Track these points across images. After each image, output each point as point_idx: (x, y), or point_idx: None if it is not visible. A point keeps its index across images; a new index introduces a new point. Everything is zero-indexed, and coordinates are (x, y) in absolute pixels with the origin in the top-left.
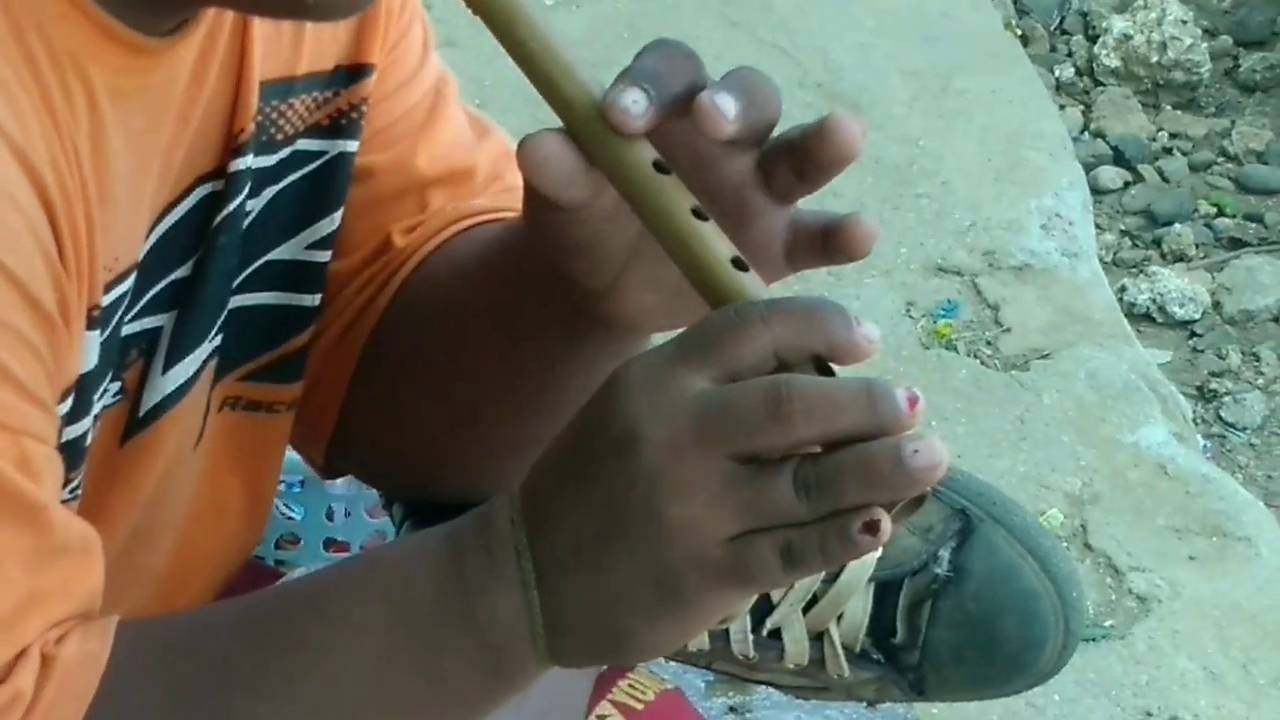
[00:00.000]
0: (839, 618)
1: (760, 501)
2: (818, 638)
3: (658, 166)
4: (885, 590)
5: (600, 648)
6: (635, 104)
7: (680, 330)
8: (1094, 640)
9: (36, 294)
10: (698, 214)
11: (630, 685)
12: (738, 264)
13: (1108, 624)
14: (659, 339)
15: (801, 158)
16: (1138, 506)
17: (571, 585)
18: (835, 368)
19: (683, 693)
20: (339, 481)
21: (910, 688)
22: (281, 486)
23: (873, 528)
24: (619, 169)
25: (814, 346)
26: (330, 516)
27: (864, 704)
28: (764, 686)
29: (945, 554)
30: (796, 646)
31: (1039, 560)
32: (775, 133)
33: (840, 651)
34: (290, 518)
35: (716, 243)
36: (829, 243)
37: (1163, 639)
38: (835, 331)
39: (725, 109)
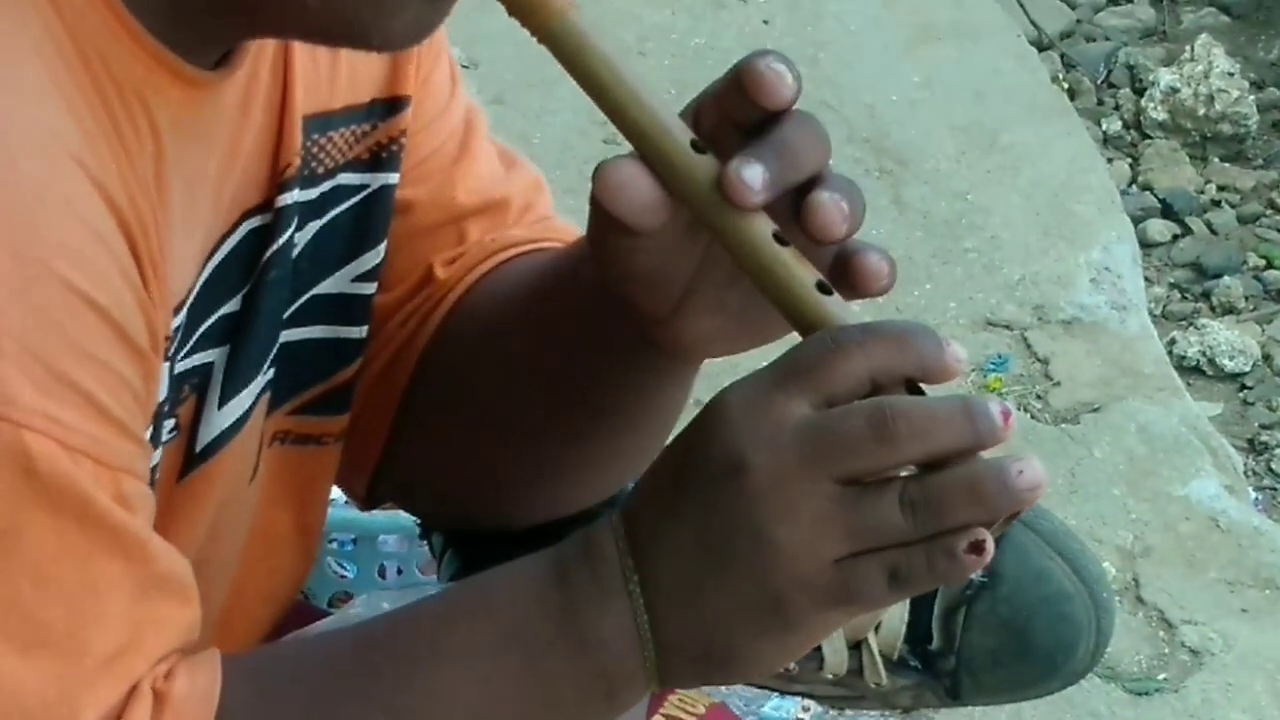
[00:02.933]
0: (876, 627)
1: (867, 523)
2: (855, 647)
3: None
4: (921, 598)
5: (707, 668)
6: (756, 178)
7: (750, 350)
8: (1147, 694)
9: (127, 328)
10: (779, 239)
11: (680, 700)
12: (822, 288)
13: (1161, 677)
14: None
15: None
16: (1189, 559)
17: (679, 609)
18: (925, 388)
19: (728, 706)
20: (391, 539)
21: (946, 693)
22: (334, 545)
23: (978, 548)
24: (698, 196)
25: (907, 369)
26: (383, 574)
27: (899, 711)
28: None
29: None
30: (836, 656)
31: (1069, 563)
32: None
33: (878, 659)
34: (343, 576)
35: (800, 268)
36: (843, 275)
37: (1216, 692)
38: (927, 353)
39: (752, 181)
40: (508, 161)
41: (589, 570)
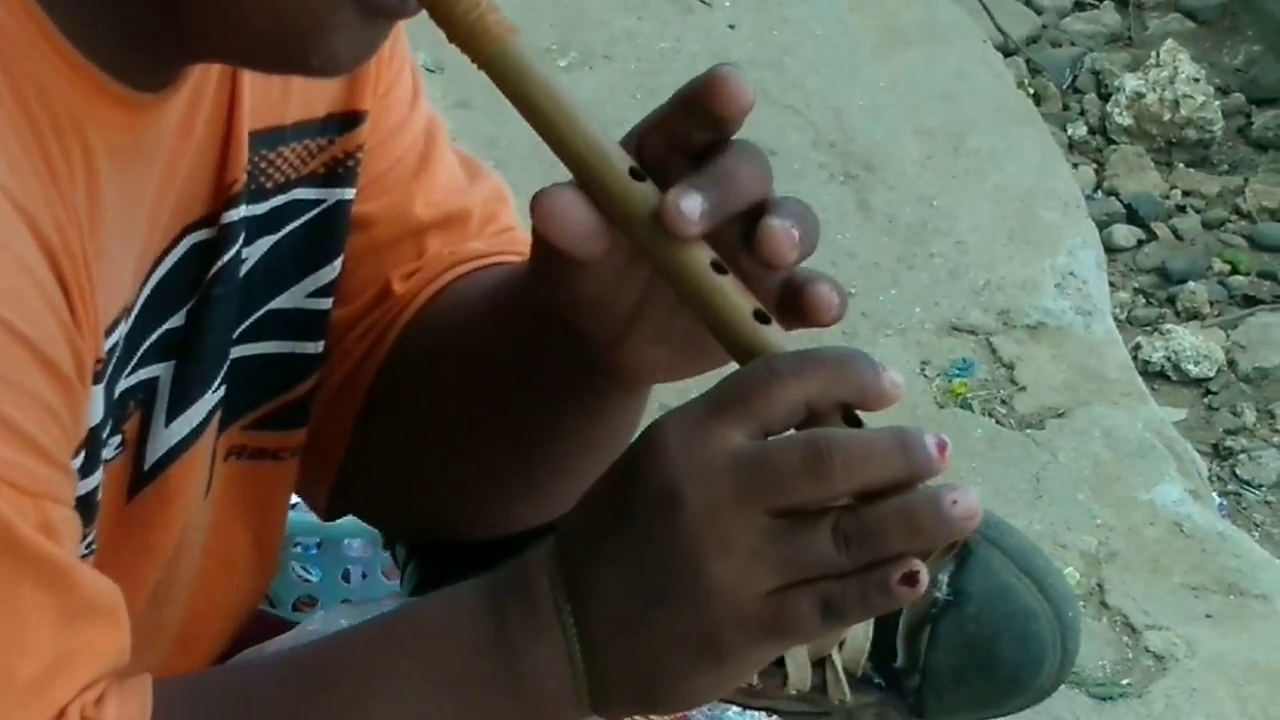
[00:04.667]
0: (841, 644)
1: (800, 555)
2: (819, 663)
3: None
4: (885, 615)
5: (641, 700)
6: (691, 209)
7: (696, 375)
8: (1111, 699)
9: (52, 355)
10: (718, 268)
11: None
12: (760, 316)
13: (1125, 683)
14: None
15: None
16: (1154, 565)
17: (613, 641)
18: (862, 416)
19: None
20: (356, 543)
21: (910, 710)
22: (298, 549)
23: (911, 579)
24: (636, 225)
25: (844, 396)
26: (347, 578)
27: None
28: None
29: (944, 578)
30: (799, 672)
31: (1034, 580)
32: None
33: (842, 676)
34: (307, 580)
35: (738, 296)
36: (795, 304)
37: (1180, 697)
38: (864, 380)
39: (690, 212)
40: (471, 171)
41: (522, 603)
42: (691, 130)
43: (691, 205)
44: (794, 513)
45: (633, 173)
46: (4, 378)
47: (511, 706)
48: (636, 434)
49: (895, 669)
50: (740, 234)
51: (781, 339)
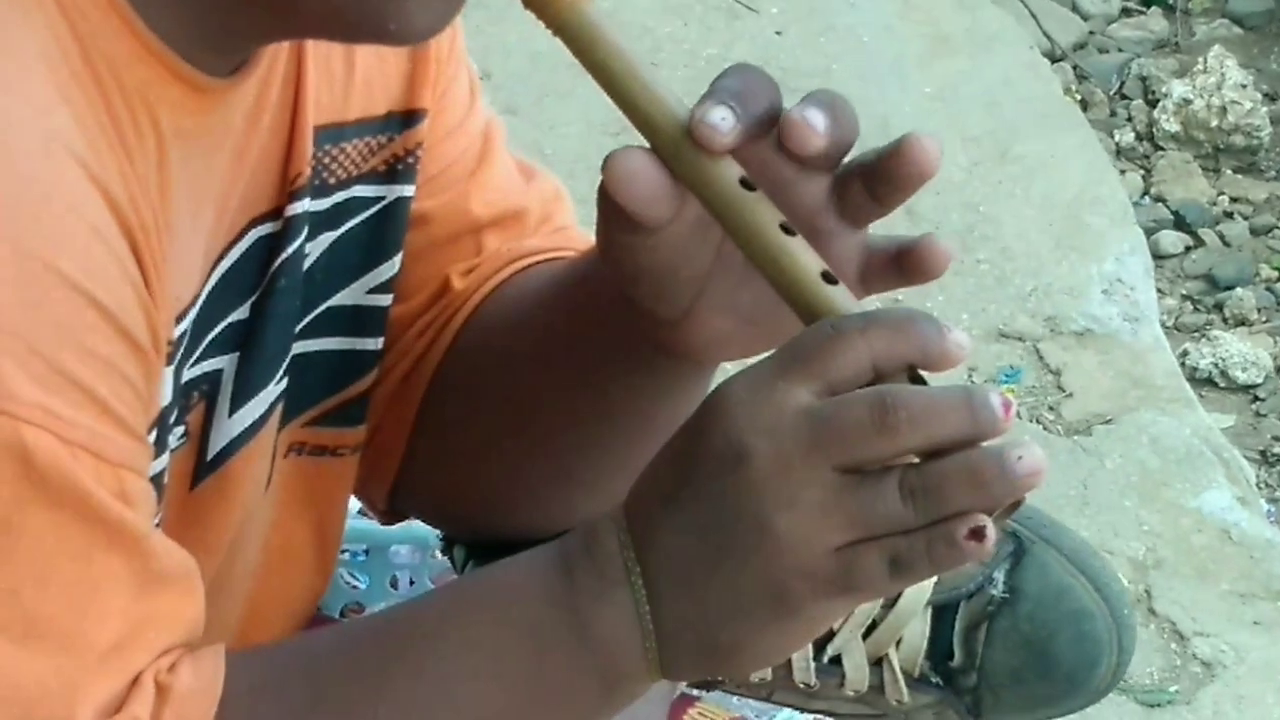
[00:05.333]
0: (898, 643)
1: (868, 510)
2: (876, 663)
3: (744, 184)
4: (942, 614)
5: (710, 660)
6: (724, 120)
7: (763, 353)
8: (1159, 706)
9: (128, 326)
10: (786, 229)
11: (701, 713)
12: (827, 278)
13: (1173, 689)
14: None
15: (877, 178)
16: (1201, 571)
17: (681, 600)
18: (927, 376)
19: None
20: (403, 550)
21: (967, 710)
22: (346, 555)
23: (979, 534)
24: (706, 186)
25: (909, 356)
26: (395, 585)
27: None
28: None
29: (1000, 576)
30: (857, 673)
31: (1091, 580)
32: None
33: (900, 676)
34: (355, 586)
35: (806, 257)
36: (904, 264)
37: (1228, 704)
38: (929, 341)
39: (815, 123)
40: (527, 173)
41: (591, 562)
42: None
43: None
44: (860, 469)
45: None
46: (84, 346)
47: (583, 667)
48: None
49: (952, 668)
50: (824, 193)
51: (849, 300)
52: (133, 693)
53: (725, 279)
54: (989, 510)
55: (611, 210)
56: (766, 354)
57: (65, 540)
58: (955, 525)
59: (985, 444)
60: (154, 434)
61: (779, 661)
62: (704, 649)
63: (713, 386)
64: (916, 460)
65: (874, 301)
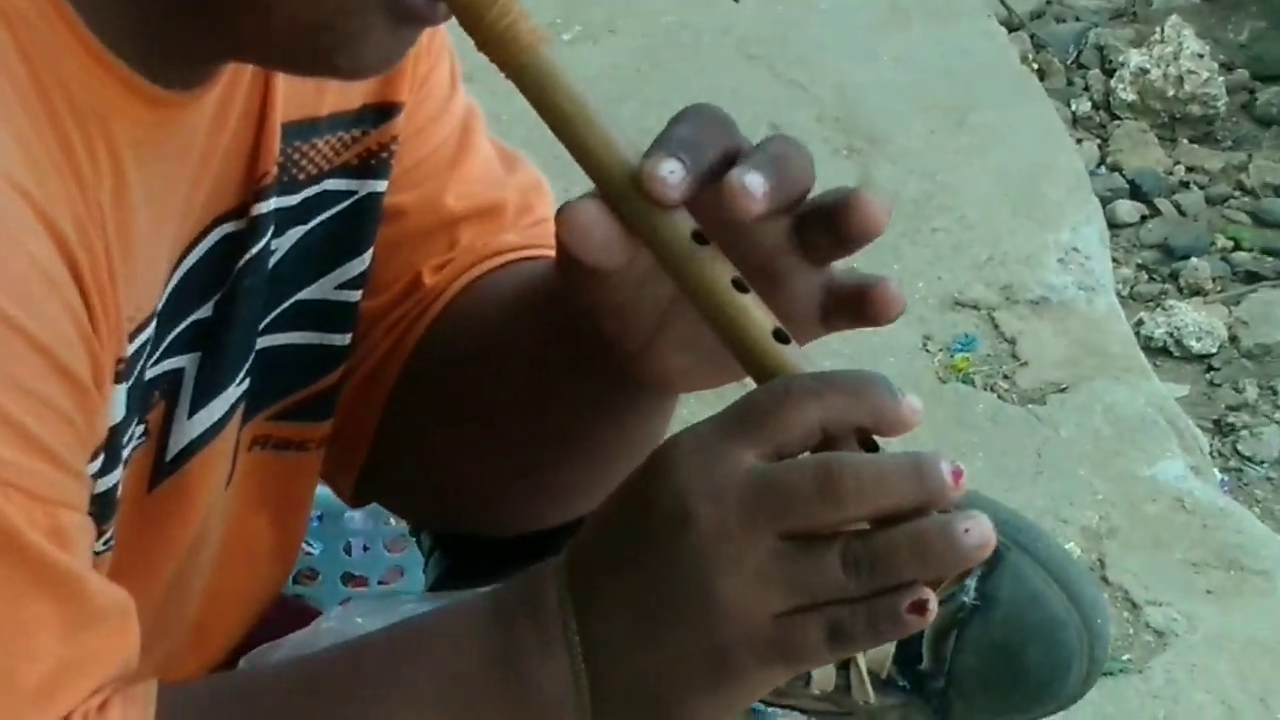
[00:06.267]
0: None
1: (809, 579)
2: (844, 665)
3: (696, 237)
4: None
5: None
6: (672, 174)
7: (724, 384)
8: (1111, 674)
9: (66, 361)
10: (738, 285)
11: None
12: (779, 336)
13: (1125, 658)
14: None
15: (829, 228)
16: (1155, 540)
17: (620, 660)
18: (881, 441)
19: None
20: (357, 515)
21: (935, 714)
22: None
23: (919, 607)
24: (657, 238)
25: (860, 420)
26: (349, 551)
27: None
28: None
29: (972, 582)
30: (823, 673)
31: (1064, 588)
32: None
33: (866, 678)
34: (309, 552)
35: (758, 315)
36: (859, 307)
37: (1180, 673)
38: (882, 406)
39: (754, 188)
40: (509, 162)
41: (530, 617)
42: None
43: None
44: (805, 535)
45: None
46: (17, 383)
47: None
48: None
49: (920, 672)
50: (785, 235)
51: (800, 360)
52: None
53: (685, 315)
54: (934, 582)
55: (567, 252)
56: (726, 399)
57: None
58: (898, 598)
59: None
60: (101, 456)
61: None
62: (641, 710)
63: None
64: (864, 527)
65: None
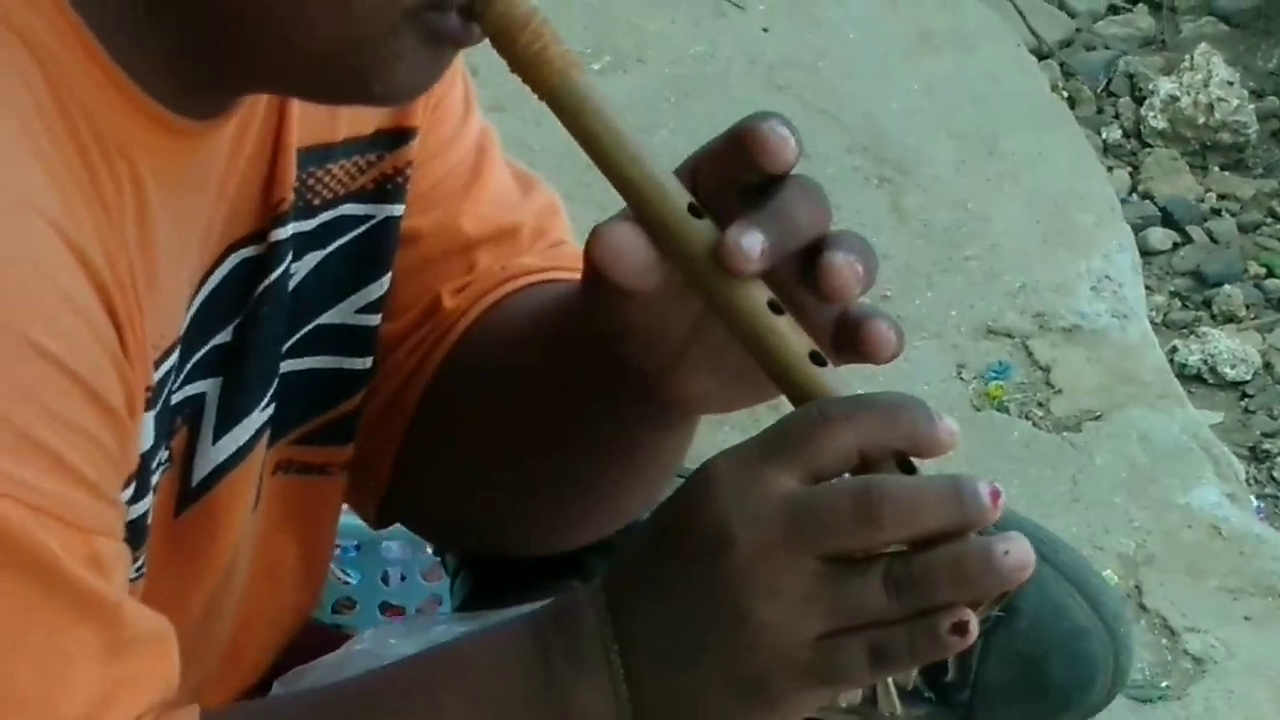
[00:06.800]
0: None
1: (849, 601)
2: None
3: None
4: None
5: None
6: (754, 245)
7: (749, 407)
8: (1150, 701)
9: (100, 390)
10: (774, 307)
11: None
12: (815, 358)
13: (1163, 685)
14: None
15: (813, 282)
16: (1191, 568)
17: (660, 682)
18: (917, 463)
19: None
20: (394, 545)
21: None
22: (337, 550)
23: (961, 628)
24: (692, 262)
25: (898, 443)
26: (386, 580)
27: None
28: None
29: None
30: None
31: (1088, 598)
32: None
33: (893, 690)
34: (346, 582)
35: (794, 337)
36: (854, 344)
37: (1218, 700)
38: (919, 428)
39: (750, 249)
40: (524, 184)
41: (569, 641)
42: (744, 166)
43: (752, 243)
44: (844, 559)
45: (691, 209)
46: (54, 414)
47: None
48: (685, 463)
49: (946, 683)
50: (798, 269)
51: (837, 382)
52: None
53: (710, 336)
54: (974, 603)
55: (595, 273)
56: (751, 421)
57: (34, 611)
58: (939, 619)
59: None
60: (133, 485)
61: None
62: None
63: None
64: (902, 549)
65: None
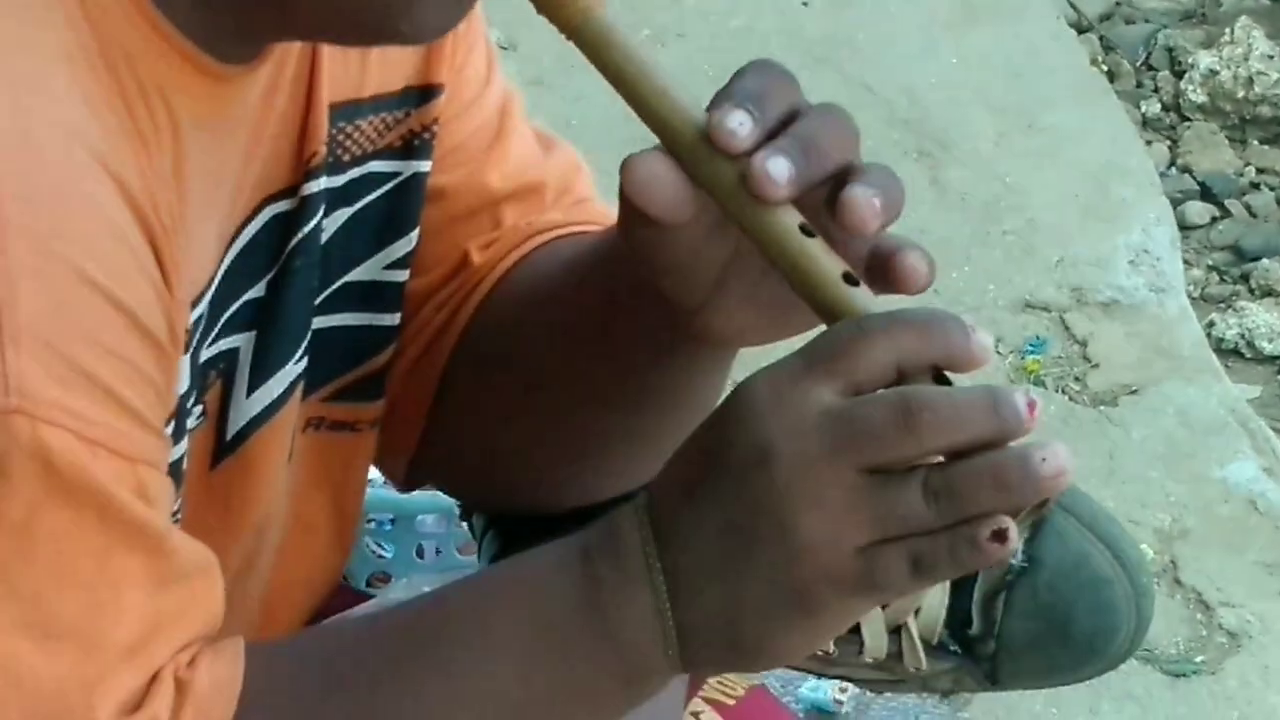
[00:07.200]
0: (916, 611)
1: (890, 511)
2: (895, 631)
3: None
4: (961, 583)
5: (732, 656)
6: (741, 125)
7: (785, 339)
8: (1185, 676)
9: (147, 323)
10: (805, 230)
11: (720, 682)
12: (849, 279)
13: (1199, 660)
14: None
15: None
16: (1227, 542)
17: (703, 597)
18: (951, 376)
19: (767, 689)
20: (429, 519)
21: (985, 677)
22: (372, 525)
23: (1001, 536)
24: (723, 189)
25: (933, 357)
26: (420, 554)
27: (937, 695)
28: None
29: (1019, 544)
30: (875, 640)
31: (1109, 547)
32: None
33: (918, 644)
34: (381, 556)
35: (826, 259)
36: (886, 274)
37: (1254, 674)
38: (954, 341)
39: (777, 175)
40: (546, 144)
41: (612, 558)
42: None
43: (779, 169)
44: (884, 470)
45: None
46: (103, 344)
47: (604, 662)
48: (722, 398)
49: (970, 636)
50: (826, 198)
51: (871, 302)
52: (152, 690)
53: (746, 268)
54: (1013, 512)
55: (631, 208)
56: (790, 348)
57: (84, 540)
58: (978, 527)
59: (1011, 444)
60: (172, 424)
61: (801, 658)
62: (726, 646)
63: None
64: (940, 460)
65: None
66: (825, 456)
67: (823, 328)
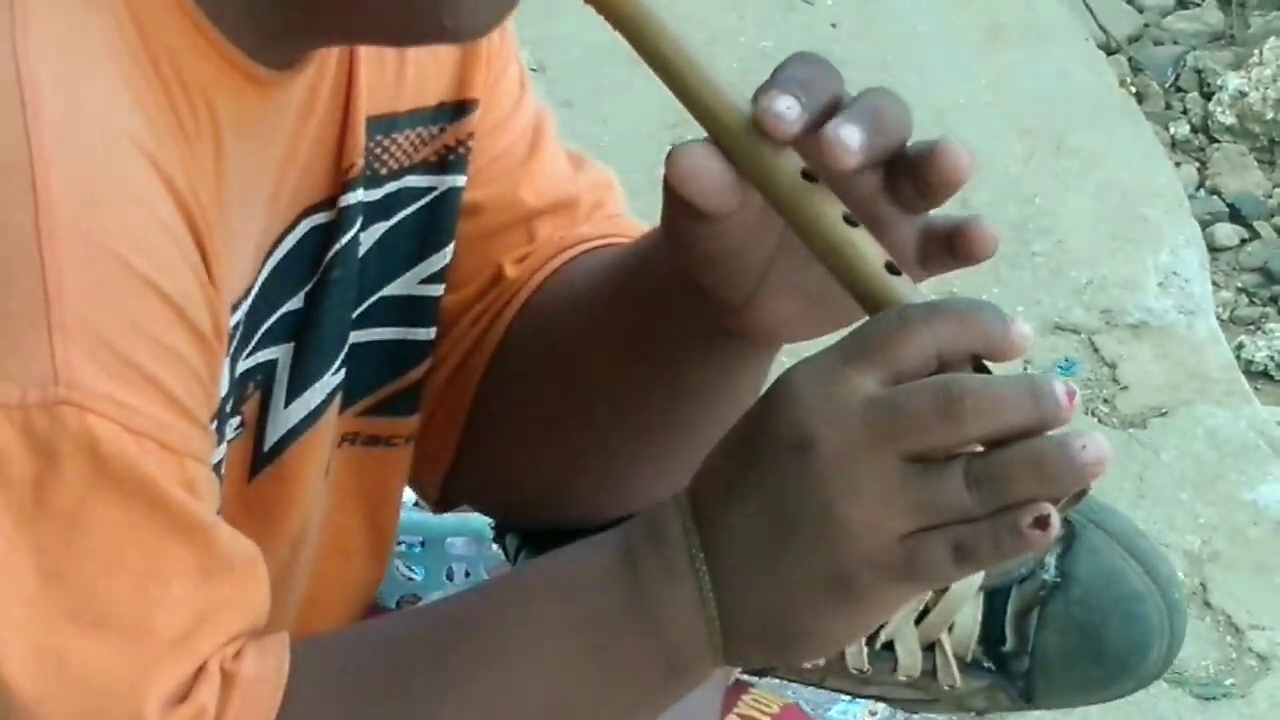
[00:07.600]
0: (950, 628)
1: (932, 499)
2: (929, 648)
3: (806, 175)
4: (994, 599)
5: (774, 646)
6: (789, 109)
7: (827, 334)
8: (1215, 699)
9: (193, 316)
10: (849, 220)
11: (754, 700)
12: (891, 269)
13: (1228, 683)
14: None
15: (918, 178)
16: (1258, 564)
17: (746, 587)
18: (991, 366)
19: (802, 707)
20: (459, 541)
21: (1020, 695)
22: (402, 547)
23: (1043, 523)
24: (768, 178)
25: (973, 346)
26: (450, 576)
27: (972, 714)
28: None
29: (1051, 560)
30: (910, 658)
31: (1141, 563)
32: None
33: (952, 661)
34: (411, 578)
35: (869, 248)
36: (954, 247)
37: None
38: (993, 331)
39: (850, 142)
40: (577, 162)
41: (655, 549)
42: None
43: (852, 136)
44: (925, 458)
45: None
46: (149, 335)
47: (647, 653)
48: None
49: (1004, 653)
50: (879, 182)
51: (912, 291)
52: (199, 681)
53: (790, 262)
54: (1053, 499)
55: (676, 200)
56: (831, 340)
57: (133, 531)
58: (1020, 514)
59: (1050, 433)
60: (214, 424)
61: (843, 647)
62: (769, 636)
63: (771, 374)
64: (980, 449)
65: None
66: (867, 444)
67: (857, 325)
